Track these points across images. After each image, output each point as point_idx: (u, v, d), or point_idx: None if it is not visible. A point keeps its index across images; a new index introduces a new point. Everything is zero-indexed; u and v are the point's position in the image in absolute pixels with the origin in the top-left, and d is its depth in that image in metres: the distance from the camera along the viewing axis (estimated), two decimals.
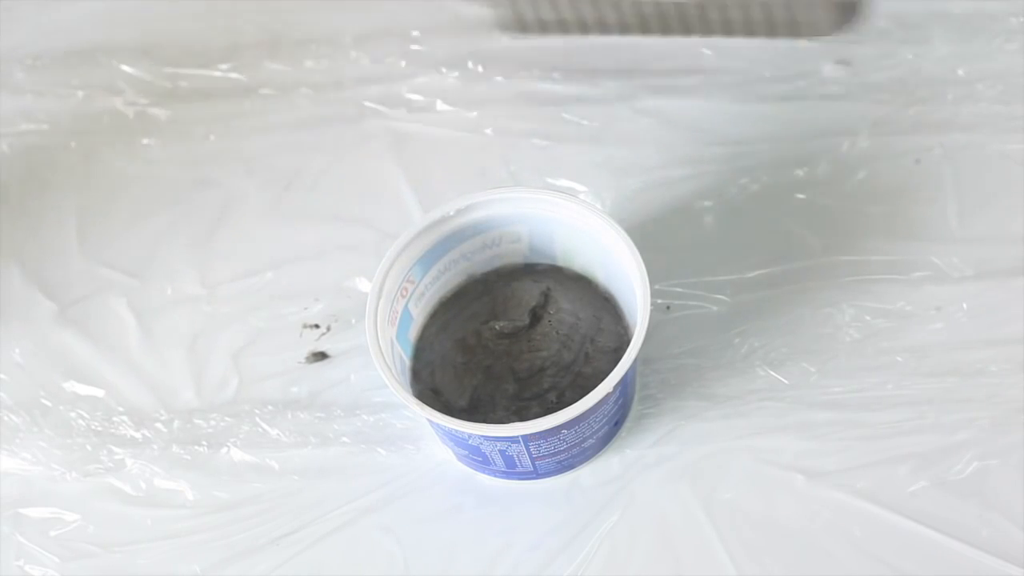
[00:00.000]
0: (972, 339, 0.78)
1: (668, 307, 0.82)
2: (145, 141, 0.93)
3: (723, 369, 0.79)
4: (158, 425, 0.80)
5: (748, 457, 0.75)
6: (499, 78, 0.93)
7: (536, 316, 0.77)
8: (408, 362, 0.77)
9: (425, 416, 0.68)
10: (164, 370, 0.83)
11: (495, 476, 0.76)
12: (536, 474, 0.74)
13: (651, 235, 0.83)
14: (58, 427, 0.81)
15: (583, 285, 0.79)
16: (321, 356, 0.82)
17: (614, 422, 0.74)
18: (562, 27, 0.92)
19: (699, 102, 0.89)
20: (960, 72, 0.90)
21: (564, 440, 0.70)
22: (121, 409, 0.81)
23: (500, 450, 0.70)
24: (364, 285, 0.84)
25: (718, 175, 0.87)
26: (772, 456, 0.75)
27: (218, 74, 0.96)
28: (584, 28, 0.92)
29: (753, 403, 0.77)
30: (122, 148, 0.93)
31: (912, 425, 0.75)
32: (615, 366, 0.68)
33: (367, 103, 0.94)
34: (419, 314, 0.77)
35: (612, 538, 0.74)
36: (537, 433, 0.68)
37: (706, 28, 0.90)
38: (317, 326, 0.83)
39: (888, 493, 0.73)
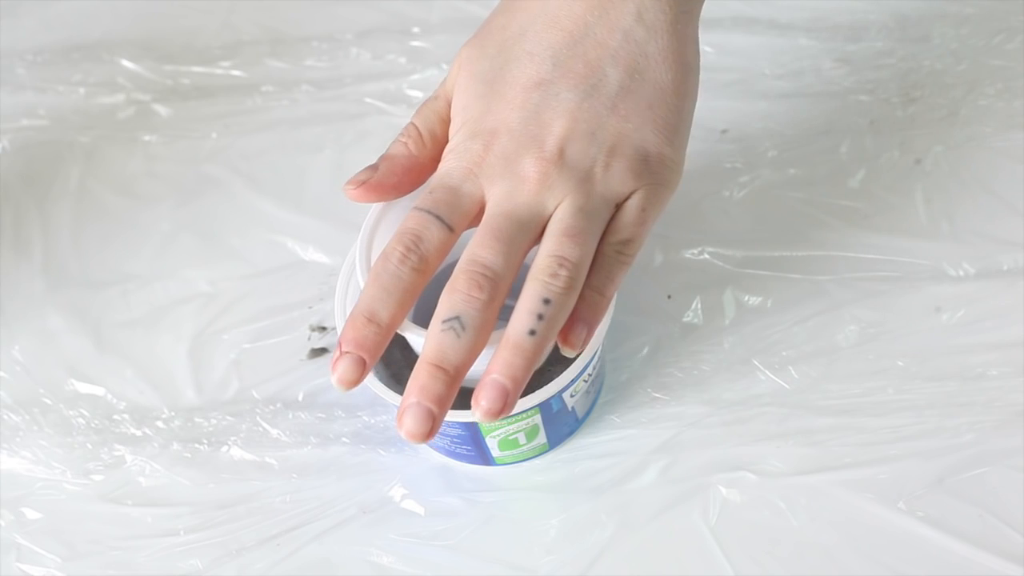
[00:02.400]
0: (973, 342, 0.78)
1: (669, 296, 0.82)
2: (146, 138, 0.93)
3: (724, 374, 0.79)
4: (159, 423, 0.80)
5: (749, 464, 0.75)
6: None
7: None
8: None
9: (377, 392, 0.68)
10: (165, 368, 0.83)
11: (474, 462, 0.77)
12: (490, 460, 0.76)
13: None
14: (58, 425, 0.81)
15: None
16: (321, 351, 0.83)
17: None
18: None
19: (698, 99, 0.89)
20: (960, 70, 0.90)
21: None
22: (122, 407, 0.81)
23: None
24: None
25: (716, 172, 0.87)
26: (773, 463, 0.75)
27: (219, 71, 0.96)
28: None
29: (754, 408, 0.77)
30: (123, 145, 0.93)
31: (913, 430, 0.75)
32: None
33: (368, 100, 0.94)
34: None
35: (613, 541, 0.74)
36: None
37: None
38: (324, 328, 0.83)
39: (889, 496, 0.73)
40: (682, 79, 0.63)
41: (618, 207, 0.63)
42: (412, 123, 0.67)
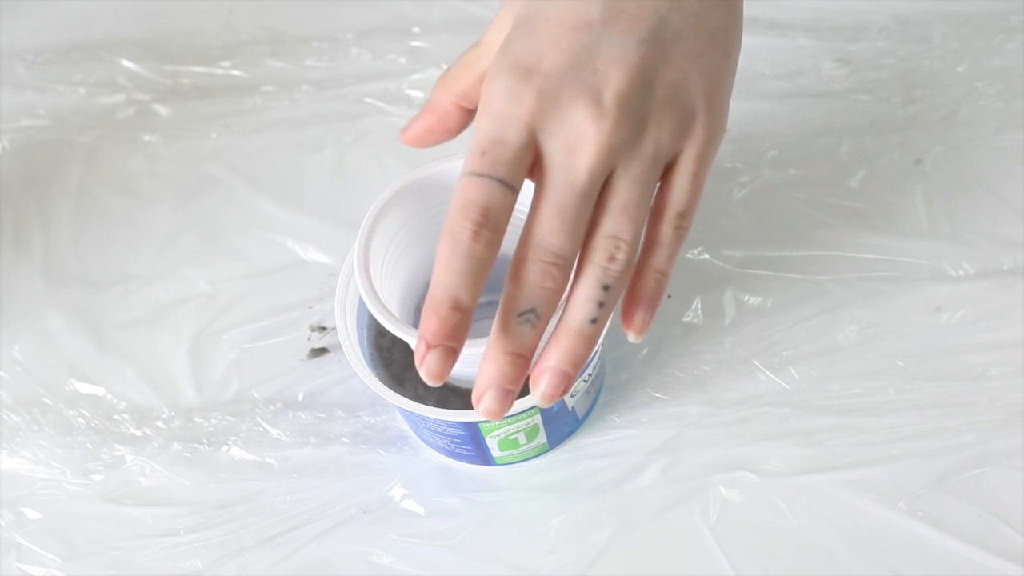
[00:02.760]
0: (973, 342, 0.78)
1: (669, 296, 0.82)
2: (146, 138, 0.93)
3: (724, 374, 0.79)
4: (159, 423, 0.80)
5: (749, 464, 0.76)
6: None
7: None
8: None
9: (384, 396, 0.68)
10: (165, 368, 0.83)
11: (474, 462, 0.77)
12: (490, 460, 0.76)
13: None
14: (58, 425, 0.81)
15: None
16: (321, 351, 0.83)
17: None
18: None
19: None
20: (960, 70, 0.90)
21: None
22: (122, 407, 0.81)
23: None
24: None
25: (717, 172, 0.87)
26: (773, 463, 0.75)
27: (219, 71, 0.96)
28: None
29: (755, 408, 0.77)
30: (123, 145, 0.93)
31: (913, 430, 0.75)
32: None
33: (368, 100, 0.94)
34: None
35: (613, 541, 0.74)
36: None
37: None
38: (324, 328, 0.83)
39: (889, 496, 0.73)
40: (733, 23, 0.60)
41: (666, 168, 0.59)
42: (449, 69, 0.64)
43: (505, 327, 0.56)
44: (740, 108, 0.88)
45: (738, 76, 0.90)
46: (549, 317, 0.56)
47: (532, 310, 0.56)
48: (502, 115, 0.56)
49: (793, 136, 0.88)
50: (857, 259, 0.83)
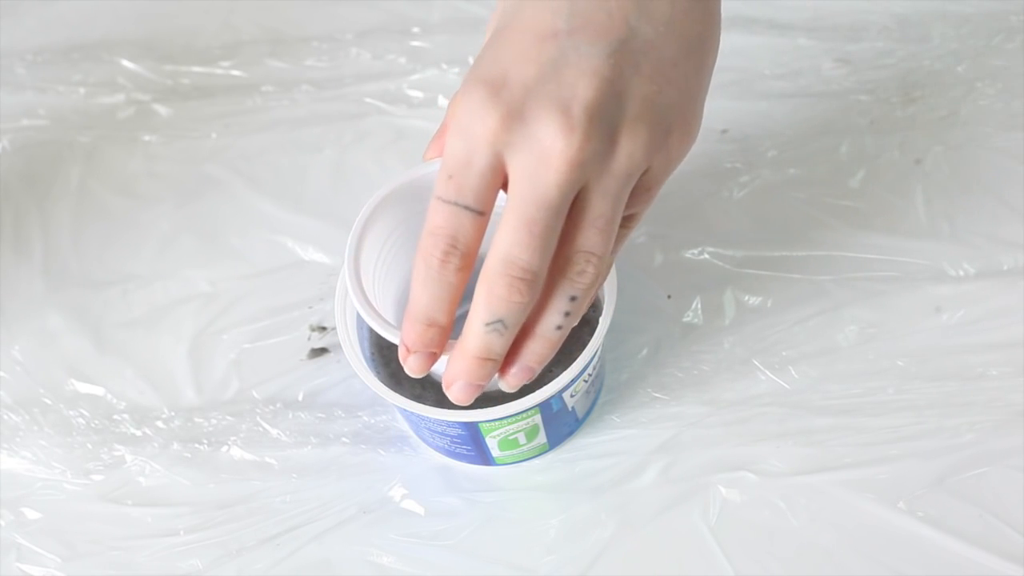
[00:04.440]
0: (973, 342, 0.78)
1: (669, 296, 0.82)
2: (146, 138, 0.93)
3: (724, 374, 0.79)
4: (159, 423, 0.80)
5: (749, 464, 0.75)
6: None
7: None
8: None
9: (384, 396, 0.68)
10: (165, 368, 0.83)
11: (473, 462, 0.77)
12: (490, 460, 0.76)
13: (649, 231, 0.83)
14: (58, 425, 0.81)
15: None
16: (321, 351, 0.83)
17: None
18: None
19: None
20: (960, 70, 0.90)
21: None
22: (122, 407, 0.81)
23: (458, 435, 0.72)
24: None
25: (716, 172, 0.87)
26: (773, 463, 0.75)
27: (219, 71, 0.96)
28: None
29: (754, 408, 0.77)
30: (123, 145, 0.93)
31: (913, 430, 0.75)
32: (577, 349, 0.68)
33: (368, 100, 0.94)
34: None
35: (613, 541, 0.74)
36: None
37: None
38: (324, 328, 0.83)
39: (889, 496, 0.73)
40: (709, 32, 0.59)
41: None
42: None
43: (474, 333, 0.58)
44: (740, 108, 0.89)
45: (738, 76, 0.91)
46: (518, 327, 0.58)
47: (499, 320, 0.57)
48: (468, 133, 0.56)
49: (793, 136, 0.88)
50: (857, 259, 0.82)
